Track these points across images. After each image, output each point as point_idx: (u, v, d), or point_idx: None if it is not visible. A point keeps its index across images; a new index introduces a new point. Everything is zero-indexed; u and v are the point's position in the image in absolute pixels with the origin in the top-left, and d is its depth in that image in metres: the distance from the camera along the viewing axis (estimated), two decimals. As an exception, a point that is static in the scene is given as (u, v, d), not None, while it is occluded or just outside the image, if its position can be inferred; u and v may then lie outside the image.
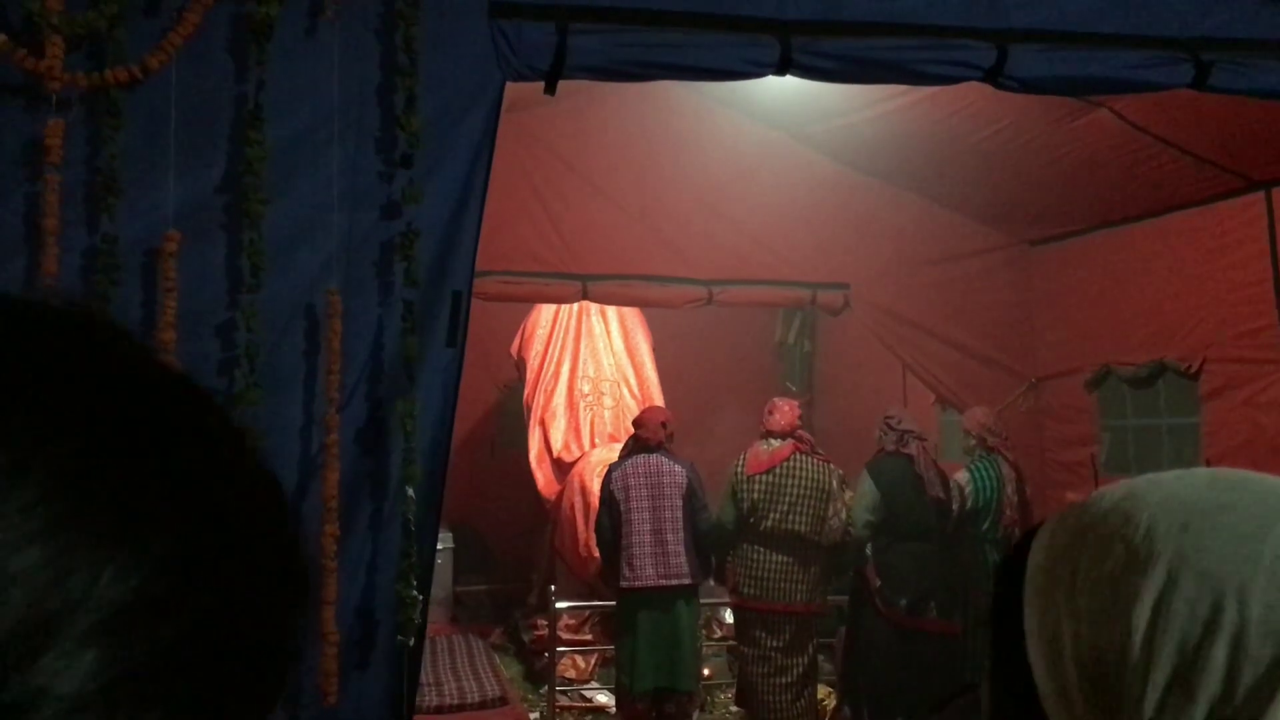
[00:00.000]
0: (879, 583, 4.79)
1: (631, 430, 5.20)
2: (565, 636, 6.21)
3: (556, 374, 7.16)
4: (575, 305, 7.02)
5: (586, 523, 6.12)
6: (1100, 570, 0.58)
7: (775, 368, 8.73)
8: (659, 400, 6.99)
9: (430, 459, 2.94)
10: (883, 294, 6.05)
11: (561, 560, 6.72)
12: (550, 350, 7.22)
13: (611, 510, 4.88)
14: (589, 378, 7.18)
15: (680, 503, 4.83)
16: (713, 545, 4.96)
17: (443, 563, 7.26)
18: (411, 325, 2.79)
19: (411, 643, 2.80)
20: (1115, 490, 0.63)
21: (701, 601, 5.13)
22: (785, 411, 4.93)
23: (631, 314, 7.37)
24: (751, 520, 4.80)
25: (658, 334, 7.54)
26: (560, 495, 6.66)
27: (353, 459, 2.81)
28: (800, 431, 4.93)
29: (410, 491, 2.81)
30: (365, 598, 2.82)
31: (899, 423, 4.94)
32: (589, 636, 6.29)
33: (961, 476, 5.18)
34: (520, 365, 7.39)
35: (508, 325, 7.39)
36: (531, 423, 7.07)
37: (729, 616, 6.21)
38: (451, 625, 7.44)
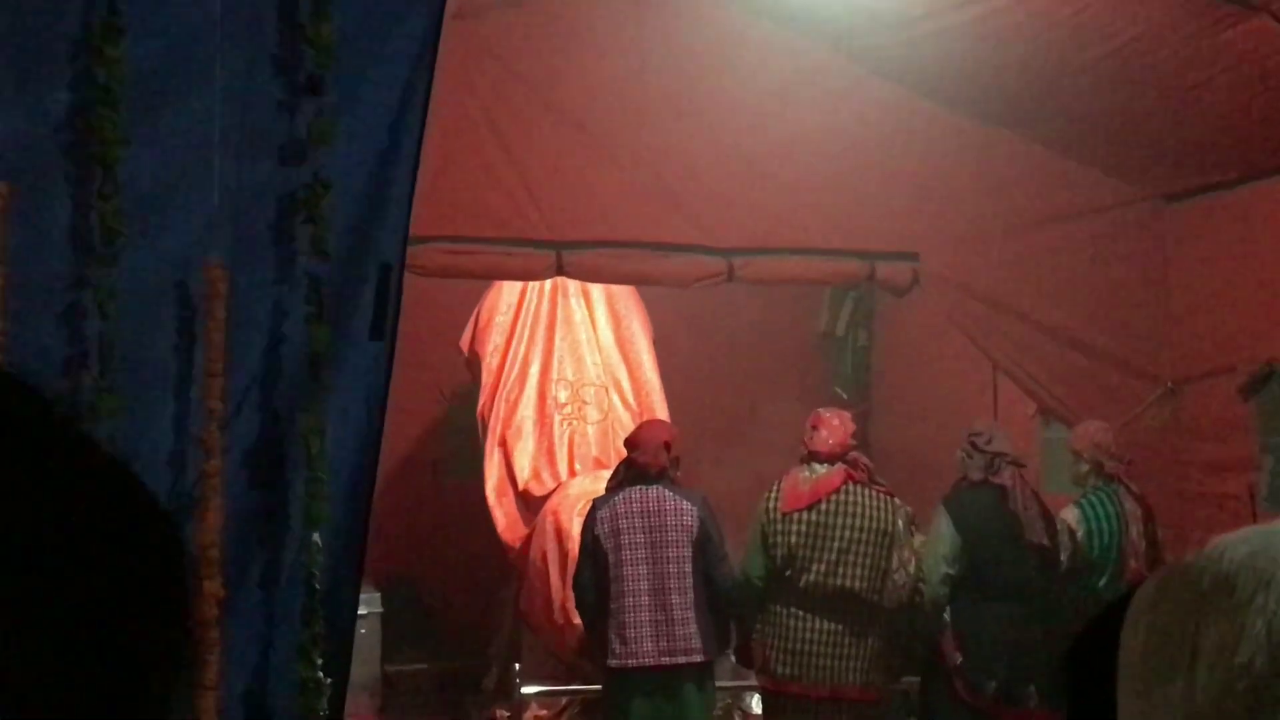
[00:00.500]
0: (960, 658, 4.81)
1: (624, 453, 5.23)
2: (534, 733, 6.23)
3: (523, 377, 7.17)
4: (548, 284, 7.02)
5: (563, 578, 6.12)
6: (1231, 662, 0.55)
7: (819, 368, 8.76)
8: (661, 413, 6.99)
9: (348, 493, 2.95)
10: (965, 267, 6.07)
11: (530, 629, 6.74)
12: (514, 345, 7.23)
13: (597, 562, 4.92)
14: (566, 382, 7.19)
15: (689, 552, 4.86)
16: (734, 609, 4.99)
17: (367, 633, 7.24)
18: (321, 311, 2.80)
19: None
20: (1243, 540, 0.61)
21: (718, 685, 5.17)
22: (834, 427, 4.96)
23: (624, 296, 7.38)
24: (788, 574, 4.83)
25: (660, 323, 7.56)
26: (528, 541, 6.67)
27: (240, 493, 2.82)
28: (854, 454, 4.96)
29: (317, 538, 2.82)
30: (256, 680, 2.82)
31: (988, 442, 4.96)
32: (567, 732, 6.32)
33: (1070, 514, 5.19)
34: (473, 365, 7.40)
35: (456, 311, 7.39)
36: (489, 443, 7.08)
37: (756, 705, 6.20)
38: (379, 718, 7.44)
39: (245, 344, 2.83)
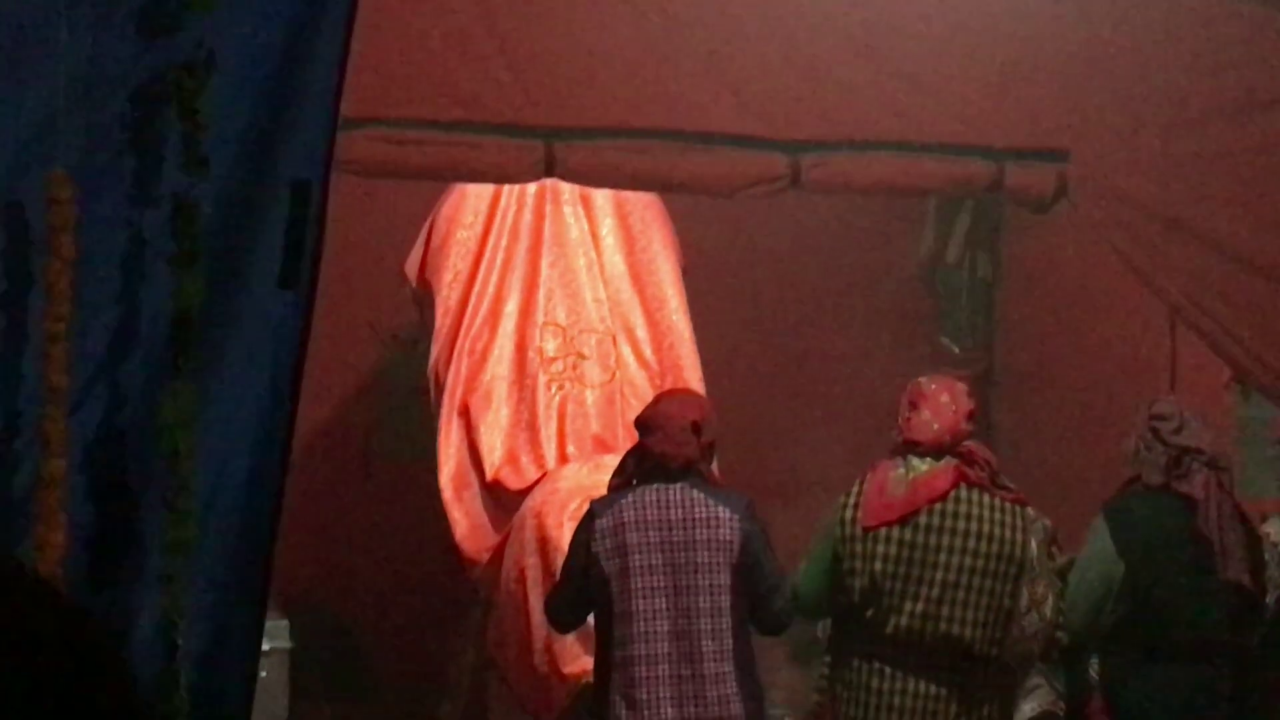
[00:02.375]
0: (1116, 736, 4.85)
1: (636, 436, 5.26)
2: (506, 825, 6.29)
3: (493, 319, 7.16)
4: (531, 188, 7.02)
5: (545, 609, 6.16)
6: None
7: (921, 312, 8.72)
8: (692, 377, 6.99)
9: (244, 499, 2.95)
10: (1132, 172, 6.01)
11: (501, 678, 6.77)
12: (482, 273, 7.21)
13: (590, 589, 5.00)
14: (556, 327, 7.16)
15: (727, 579, 4.91)
16: (779, 633, 5.21)
17: (270, 677, 7.28)
18: (194, 248, 2.79)
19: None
20: None
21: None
22: (942, 405, 4.99)
23: (642, 208, 7.36)
24: (871, 614, 4.88)
25: (693, 247, 7.56)
26: (499, 555, 6.69)
27: (81, 508, 2.83)
28: (970, 444, 5.00)
29: (173, 568, 2.83)
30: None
31: (1177, 430, 4.96)
32: (552, 826, 6.38)
33: (1277, 530, 5.18)
34: (423, 300, 7.40)
35: (400, 224, 7.41)
36: (445, 412, 7.08)
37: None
38: (287, 796, 7.50)
39: (98, 293, 2.83)
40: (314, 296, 2.94)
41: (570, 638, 5.82)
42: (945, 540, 4.82)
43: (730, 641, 4.88)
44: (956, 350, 8.29)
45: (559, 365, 7.10)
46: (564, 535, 6.06)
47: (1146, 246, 6.11)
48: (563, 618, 5.18)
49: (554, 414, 7.01)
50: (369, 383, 8.33)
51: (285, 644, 7.41)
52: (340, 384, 8.10)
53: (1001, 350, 8.61)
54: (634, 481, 5.07)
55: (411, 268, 7.38)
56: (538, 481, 6.73)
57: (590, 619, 5.28)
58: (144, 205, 2.83)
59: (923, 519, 4.84)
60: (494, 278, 7.20)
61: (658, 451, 5.00)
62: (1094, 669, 4.93)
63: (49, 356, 2.76)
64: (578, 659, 5.94)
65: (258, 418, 2.94)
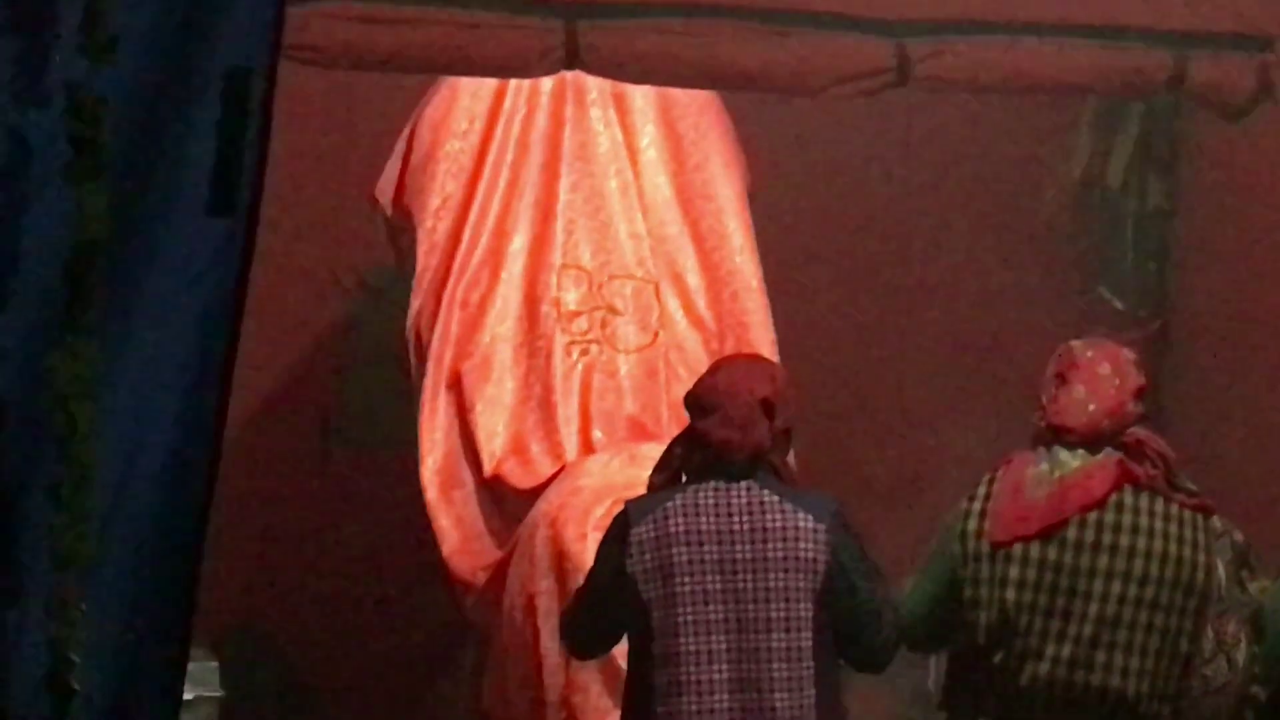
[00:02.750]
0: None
1: (685, 418, 5.28)
2: None
3: (494, 258, 7.18)
4: (545, 84, 7.03)
5: (563, 648, 6.16)
6: None
7: (1074, 254, 8.70)
8: (762, 336, 7.02)
9: (164, 495, 2.96)
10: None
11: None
12: (479, 197, 7.24)
13: (628, 621, 5.01)
14: (579, 271, 7.19)
15: (808, 609, 4.92)
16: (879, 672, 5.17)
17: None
18: (98, 158, 2.79)
19: None
20: None
21: None
22: (1100, 380, 5.00)
23: (694, 111, 7.35)
24: (1000, 659, 4.89)
25: (766, 162, 7.56)
26: (500, 574, 6.72)
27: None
28: (1137, 432, 5.00)
29: (69, 581, 2.84)
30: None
31: None
32: None
33: None
34: (400, 232, 7.45)
35: (370, 131, 7.46)
36: (429, 383, 7.11)
37: None
38: None
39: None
40: (255, 228, 2.94)
41: (596, 687, 5.85)
42: (1102, 561, 4.81)
43: (813, 694, 4.87)
44: (1120, 305, 8.26)
45: (582, 323, 7.10)
46: (588, 550, 6.03)
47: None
48: (585, 643, 5.23)
49: (575, 388, 7.01)
50: (328, 344, 8.35)
51: (215, 691, 7.44)
52: (291, 345, 8.11)
53: (1180, 306, 8.58)
54: (683, 479, 5.06)
55: (385, 191, 7.37)
56: (553, 478, 6.75)
57: (621, 658, 5.31)
58: (29, 101, 2.83)
59: (1072, 533, 4.83)
60: (495, 205, 7.20)
61: (716, 439, 4.99)
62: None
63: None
64: (605, 716, 5.96)
65: (180, 389, 2.94)
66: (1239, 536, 5.01)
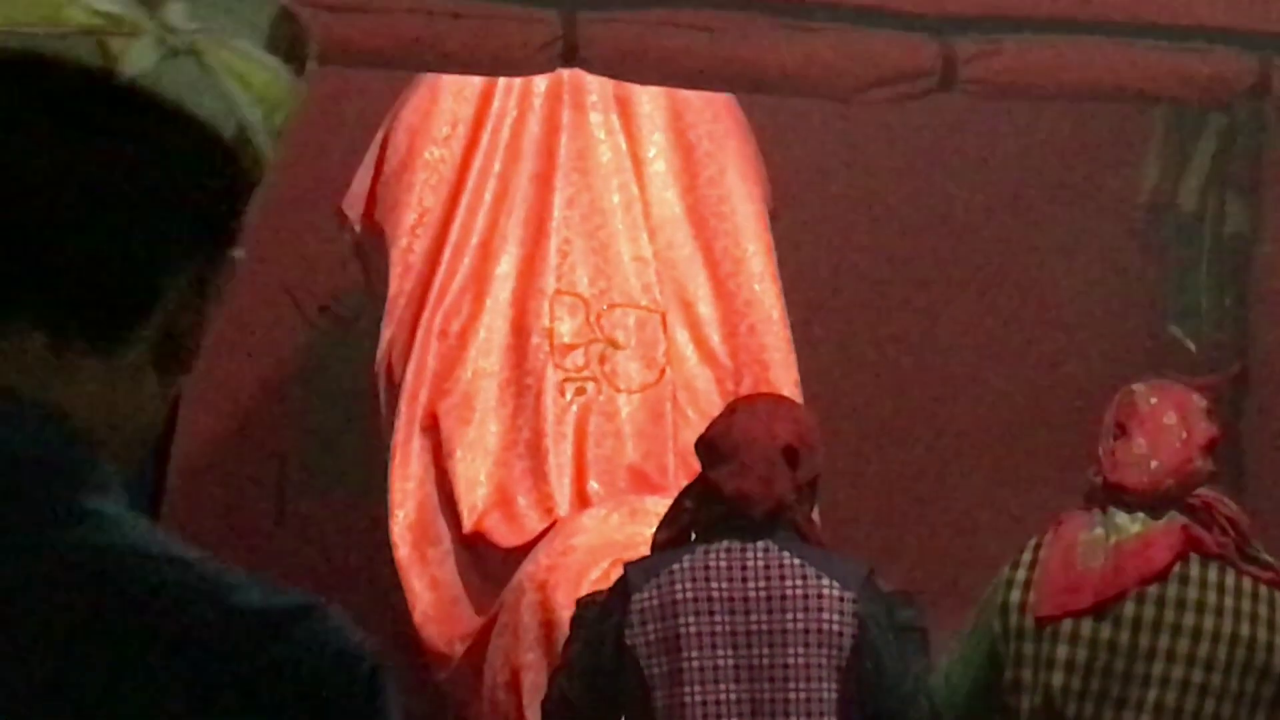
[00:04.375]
0: None
1: (695, 467, 5.31)
2: None
3: (479, 283, 7.24)
4: (539, 84, 7.13)
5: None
6: None
7: (1140, 285, 8.73)
8: (783, 376, 7.05)
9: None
10: None
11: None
12: (461, 212, 7.30)
13: (628, 700, 5.02)
14: (576, 298, 7.24)
15: (832, 690, 4.93)
16: None
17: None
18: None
19: None
20: None
21: None
22: (1166, 427, 4.98)
23: (709, 118, 7.43)
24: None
25: (789, 177, 7.61)
26: (480, 646, 6.74)
27: None
28: (1206, 494, 4.99)
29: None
30: None
31: None
32: None
33: None
34: (369, 249, 7.50)
35: (338, 136, 7.49)
36: (402, 424, 7.16)
37: None
38: None
39: None
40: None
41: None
42: (1164, 642, 4.79)
43: None
44: (1191, 345, 8.26)
45: (578, 357, 7.13)
46: (583, 619, 6.07)
47: None
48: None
49: (569, 432, 7.04)
50: (286, 379, 8.41)
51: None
52: (244, 380, 8.16)
53: (1262, 347, 8.57)
54: (692, 537, 5.07)
55: (354, 205, 7.42)
56: (542, 535, 6.76)
57: None
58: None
59: (1129, 609, 4.82)
60: (480, 221, 7.25)
61: (731, 491, 4.99)
62: None
63: None
64: (600, 810, 5.95)
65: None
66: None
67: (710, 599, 4.92)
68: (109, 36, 1.32)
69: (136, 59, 1.31)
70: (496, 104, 7.25)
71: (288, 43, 1.42)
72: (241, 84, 1.37)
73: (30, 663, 1.23)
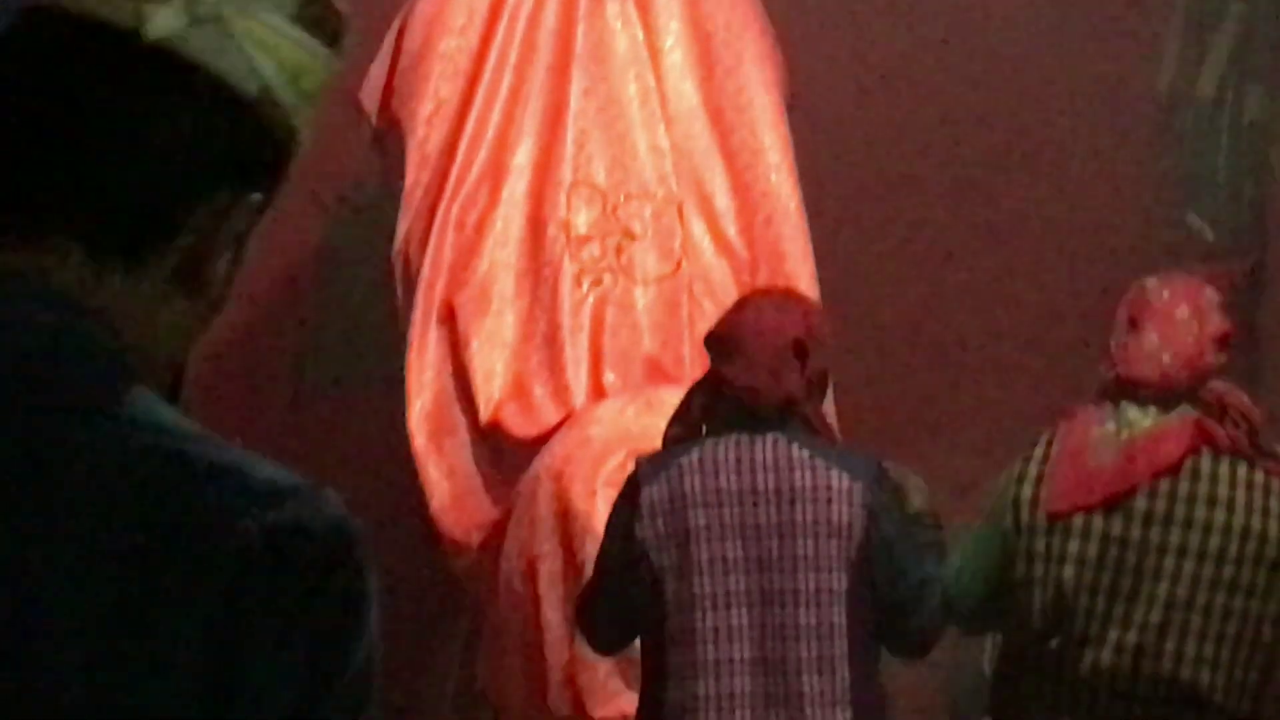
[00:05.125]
0: None
1: (705, 355, 5.32)
2: None
3: (495, 173, 7.25)
4: None
5: (572, 622, 6.18)
6: None
7: (1158, 174, 8.72)
8: (800, 268, 7.05)
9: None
10: None
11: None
12: (478, 103, 7.31)
13: (638, 594, 5.04)
14: (593, 189, 7.26)
15: (843, 583, 4.95)
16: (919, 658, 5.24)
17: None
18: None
19: None
20: None
21: None
22: (1178, 321, 4.97)
23: (726, 5, 7.43)
24: (1057, 645, 4.91)
25: (810, 65, 7.63)
26: (497, 537, 6.79)
27: None
28: (1220, 387, 4.98)
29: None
30: None
31: None
32: None
33: None
34: (386, 140, 7.53)
35: (355, 28, 7.36)
36: (418, 316, 7.18)
37: None
38: None
39: None
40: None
41: (605, 665, 5.88)
42: (1175, 537, 4.78)
43: (846, 677, 4.89)
44: (1210, 236, 8.24)
45: (595, 249, 7.15)
46: (598, 510, 6.10)
47: None
48: (601, 634, 5.19)
49: (586, 323, 7.06)
50: (303, 269, 8.41)
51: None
52: (259, 271, 8.15)
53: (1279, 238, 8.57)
54: (703, 430, 5.07)
55: (370, 95, 7.42)
56: (559, 426, 6.80)
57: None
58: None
59: (1141, 503, 4.80)
60: (496, 113, 7.25)
61: (740, 385, 5.00)
62: None
63: None
64: (614, 698, 6.00)
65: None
66: (1343, 512, 4.93)
67: (719, 492, 4.92)
68: (143, 3, 1.53)
69: (163, 23, 1.51)
70: (511, 5, 7.28)
71: (315, 18, 1.62)
72: (264, 50, 1.57)
73: (82, 519, 1.47)
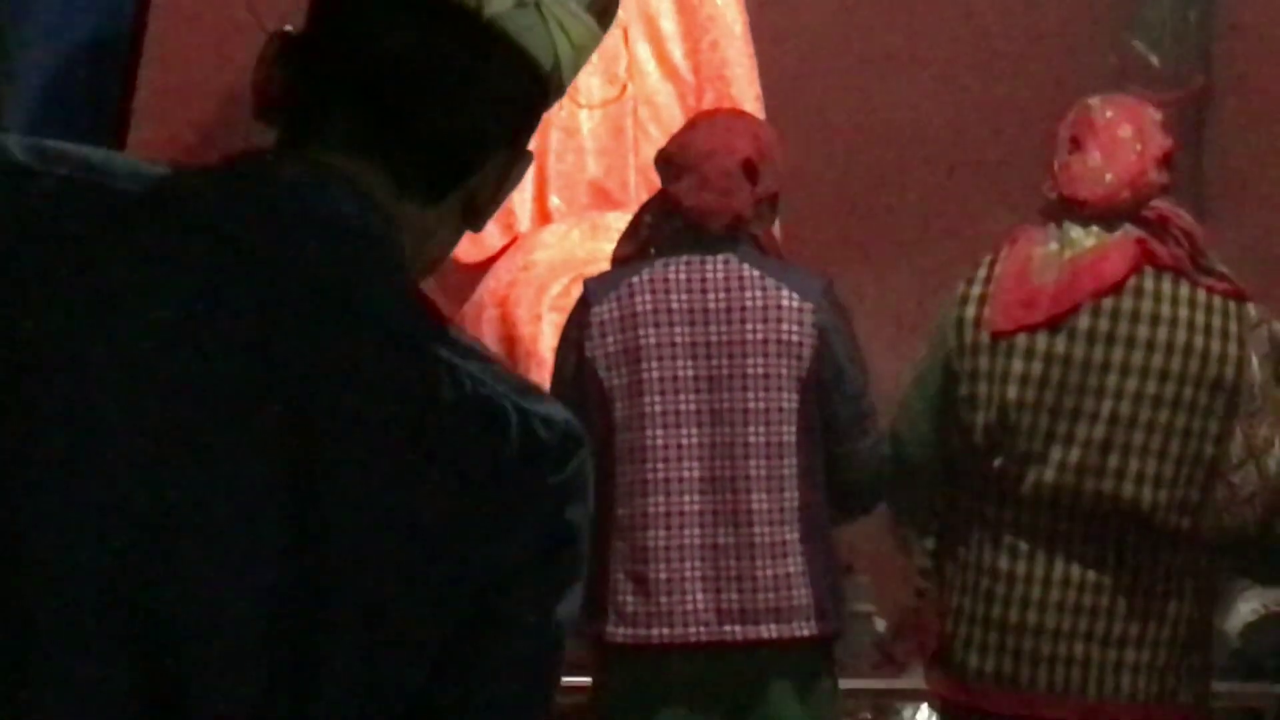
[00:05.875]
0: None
1: (655, 182, 5.34)
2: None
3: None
4: None
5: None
6: None
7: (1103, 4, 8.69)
8: (745, 91, 7.03)
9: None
10: None
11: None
12: None
13: (588, 415, 4.98)
14: (536, 9, 7.26)
15: (793, 400, 4.97)
16: (867, 502, 5.26)
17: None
18: None
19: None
20: None
21: (845, 686, 5.35)
22: (1121, 140, 4.98)
23: None
24: (1000, 465, 4.94)
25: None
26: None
27: None
28: (1162, 206, 5.00)
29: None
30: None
31: None
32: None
33: None
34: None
35: None
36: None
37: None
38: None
39: None
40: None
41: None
42: (1118, 354, 4.81)
43: (795, 496, 4.92)
44: (1154, 60, 8.23)
45: None
46: (543, 334, 6.13)
47: None
48: None
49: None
50: (240, 95, 8.35)
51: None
52: (203, 95, 8.12)
53: (1223, 62, 8.55)
54: (652, 251, 5.08)
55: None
56: (503, 251, 6.85)
57: None
58: None
59: (1084, 321, 4.83)
60: None
61: (690, 205, 4.99)
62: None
63: None
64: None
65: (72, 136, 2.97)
66: (1278, 328, 4.97)
67: (670, 311, 4.93)
68: None
69: (497, 4, 1.78)
70: None
71: (601, 6, 1.89)
72: (563, 32, 1.83)
73: (374, 390, 1.73)
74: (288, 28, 1.83)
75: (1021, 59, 7.80)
